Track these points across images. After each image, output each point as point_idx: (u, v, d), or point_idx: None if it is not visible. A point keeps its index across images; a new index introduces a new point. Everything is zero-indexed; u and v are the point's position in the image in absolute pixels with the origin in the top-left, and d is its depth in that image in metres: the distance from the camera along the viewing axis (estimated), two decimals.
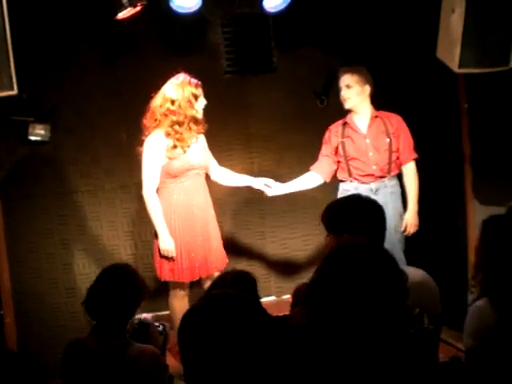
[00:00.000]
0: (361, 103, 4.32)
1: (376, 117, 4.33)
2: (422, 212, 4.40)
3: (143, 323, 2.80)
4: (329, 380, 1.63)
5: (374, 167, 4.28)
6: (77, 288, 4.68)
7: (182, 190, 3.94)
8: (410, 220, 4.26)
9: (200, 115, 3.97)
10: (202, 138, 4.12)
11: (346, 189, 4.34)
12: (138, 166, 4.83)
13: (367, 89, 4.32)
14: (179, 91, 3.91)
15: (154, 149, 3.90)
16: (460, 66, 3.29)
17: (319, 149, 4.45)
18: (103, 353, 2.49)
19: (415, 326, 2.30)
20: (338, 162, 4.38)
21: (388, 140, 4.29)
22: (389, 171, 4.29)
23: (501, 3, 3.24)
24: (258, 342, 1.49)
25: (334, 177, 4.43)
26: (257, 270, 4.51)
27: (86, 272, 4.66)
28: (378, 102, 4.41)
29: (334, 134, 4.41)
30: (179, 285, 4.00)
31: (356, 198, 2.91)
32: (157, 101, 3.94)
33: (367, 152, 4.29)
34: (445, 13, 3.36)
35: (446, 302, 4.55)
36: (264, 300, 2.92)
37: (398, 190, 4.33)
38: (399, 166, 4.34)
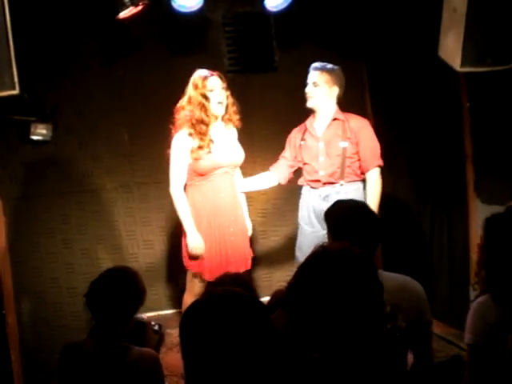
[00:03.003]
0: (325, 104, 4.15)
1: (335, 119, 4.16)
2: (423, 211, 4.38)
3: (139, 322, 2.81)
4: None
5: (322, 173, 4.12)
6: (79, 287, 4.68)
7: (211, 187, 3.92)
8: None
9: (216, 109, 3.92)
10: (235, 135, 4.10)
11: (303, 193, 4.26)
12: (140, 166, 4.86)
13: (335, 90, 4.15)
14: (195, 89, 3.90)
15: (180, 147, 3.87)
16: (462, 65, 3.28)
17: None
18: (101, 357, 2.47)
19: (387, 324, 2.30)
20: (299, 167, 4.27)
21: (343, 145, 4.10)
22: (341, 177, 4.10)
23: (502, 2, 3.24)
24: (259, 340, 1.49)
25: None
26: (258, 269, 4.52)
27: (87, 271, 4.65)
28: (379, 101, 4.41)
29: (293, 136, 4.32)
30: (197, 282, 3.99)
31: (359, 207, 2.82)
32: (182, 102, 3.94)
33: (318, 156, 4.14)
34: (446, 11, 3.35)
35: (447, 300, 4.58)
36: (264, 300, 2.92)
37: (355, 195, 3.99)
38: (361, 172, 4.15)
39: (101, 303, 2.54)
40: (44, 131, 4.48)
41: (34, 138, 4.47)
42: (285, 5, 4.39)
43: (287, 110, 5.00)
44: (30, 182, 4.65)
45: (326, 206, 4.03)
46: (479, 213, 4.23)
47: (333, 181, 4.11)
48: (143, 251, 4.91)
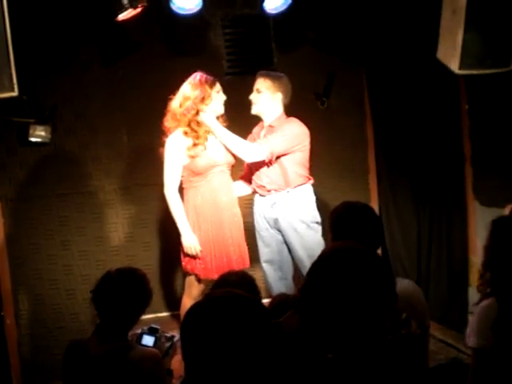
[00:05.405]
0: (268, 111, 4.12)
1: (269, 126, 4.13)
2: (422, 213, 4.38)
3: (153, 328, 2.86)
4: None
5: (265, 179, 4.10)
6: (77, 289, 4.68)
7: (209, 187, 3.94)
8: None
9: (221, 108, 3.97)
10: None
11: (255, 200, 4.25)
12: (138, 168, 4.85)
13: (278, 96, 4.11)
14: (196, 89, 3.92)
15: (174, 148, 3.90)
16: (461, 68, 3.28)
17: (319, 150, 4.45)
18: (105, 356, 2.48)
19: (402, 330, 2.30)
20: None
21: None
22: (286, 184, 4.06)
23: (501, 4, 3.24)
24: (259, 342, 1.49)
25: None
26: (257, 271, 4.51)
27: (86, 273, 4.65)
28: (378, 104, 4.40)
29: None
30: (195, 285, 3.99)
31: (360, 207, 2.79)
32: (176, 101, 3.94)
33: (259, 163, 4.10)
34: (445, 14, 3.35)
35: (446, 302, 4.58)
36: (264, 301, 2.92)
37: (302, 201, 4.08)
38: (308, 173, 4.12)
39: (107, 302, 2.56)
40: (43, 133, 4.47)
41: (33, 139, 4.47)
42: (284, 7, 4.39)
43: (286, 112, 5.00)
44: (29, 183, 4.65)
45: (274, 213, 4.09)
46: (478, 215, 4.24)
47: (277, 188, 4.09)
48: (142, 253, 4.91)
